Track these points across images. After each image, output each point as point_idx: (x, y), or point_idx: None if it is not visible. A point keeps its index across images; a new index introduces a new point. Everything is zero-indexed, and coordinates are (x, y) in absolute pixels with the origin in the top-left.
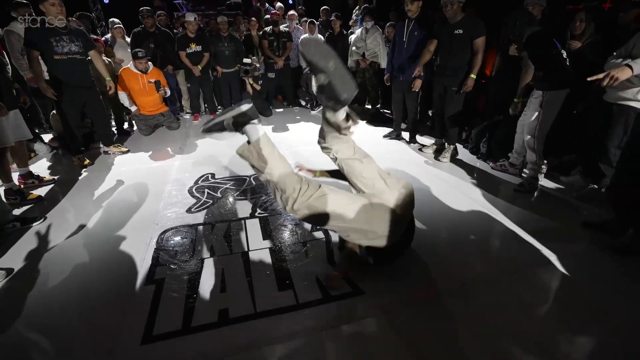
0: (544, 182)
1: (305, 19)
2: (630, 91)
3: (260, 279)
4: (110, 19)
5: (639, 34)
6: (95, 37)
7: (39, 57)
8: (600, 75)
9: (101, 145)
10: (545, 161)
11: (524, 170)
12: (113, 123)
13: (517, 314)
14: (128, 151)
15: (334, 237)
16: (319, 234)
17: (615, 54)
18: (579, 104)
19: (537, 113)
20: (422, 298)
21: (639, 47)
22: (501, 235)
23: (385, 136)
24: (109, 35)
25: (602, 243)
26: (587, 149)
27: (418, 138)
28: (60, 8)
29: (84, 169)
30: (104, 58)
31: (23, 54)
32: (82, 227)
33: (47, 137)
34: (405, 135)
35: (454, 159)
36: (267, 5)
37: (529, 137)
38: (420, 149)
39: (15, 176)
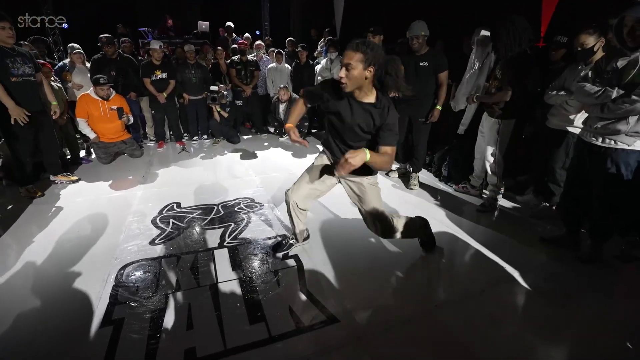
0: (502, 201)
1: (272, 49)
2: (568, 118)
3: (230, 312)
4: (70, 44)
5: (567, 70)
6: (42, 61)
7: None
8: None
9: (50, 175)
10: (503, 182)
11: (484, 191)
12: (67, 151)
13: (489, 331)
14: (78, 180)
15: (306, 264)
16: (290, 262)
17: (550, 86)
18: (526, 129)
19: (494, 139)
20: (395, 322)
21: (569, 81)
22: (467, 253)
23: None
24: (67, 60)
25: (560, 256)
26: (537, 170)
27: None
28: (11, 32)
29: (33, 201)
30: (53, 83)
31: None
32: (28, 264)
33: None
34: None
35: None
36: (234, 35)
37: (490, 161)
38: (386, 174)
39: None
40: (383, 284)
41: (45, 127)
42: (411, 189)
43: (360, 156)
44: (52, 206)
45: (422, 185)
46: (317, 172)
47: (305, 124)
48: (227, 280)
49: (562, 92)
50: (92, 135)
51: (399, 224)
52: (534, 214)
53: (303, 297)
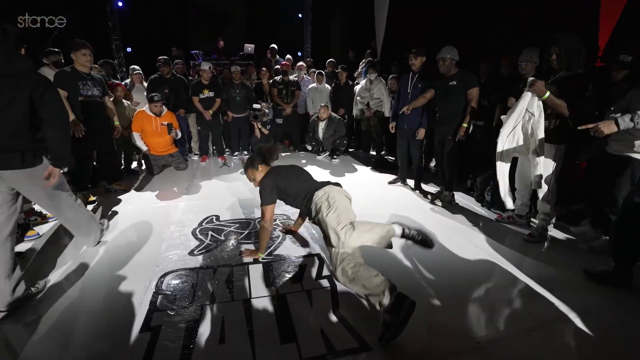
0: (553, 232)
1: (313, 69)
2: (632, 144)
3: (262, 329)
4: (132, 66)
5: (634, 91)
6: (117, 82)
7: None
8: (590, 125)
9: (105, 183)
10: (554, 211)
11: (533, 219)
12: (122, 162)
13: None
14: (127, 189)
15: (340, 286)
16: (324, 282)
17: (612, 108)
18: (581, 154)
19: (550, 165)
20: (431, 357)
21: (634, 104)
22: (513, 287)
23: (390, 182)
24: (128, 80)
25: (619, 297)
26: (595, 199)
27: (423, 185)
28: (90, 57)
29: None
30: (123, 101)
31: None
32: (81, 265)
33: None
34: (410, 182)
35: (456, 207)
36: (277, 56)
37: (544, 189)
38: (426, 196)
39: None
40: (420, 314)
41: (105, 141)
42: (435, 204)
43: None
44: (105, 213)
45: (463, 210)
46: None
47: (345, 142)
48: (261, 297)
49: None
50: (144, 148)
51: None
52: (592, 247)
53: (335, 320)
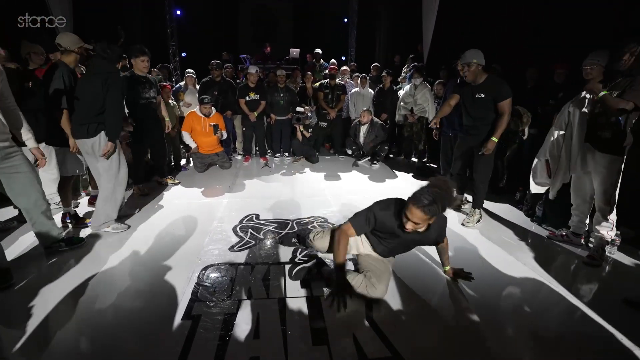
0: (617, 255)
1: (357, 74)
2: None
3: (295, 329)
4: (186, 69)
5: None
6: (164, 83)
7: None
8: None
9: (157, 177)
10: (619, 232)
11: (590, 239)
12: (172, 158)
13: None
14: (179, 183)
15: None
16: None
17: None
18: None
19: (612, 181)
20: None
21: None
22: (567, 313)
23: None
24: (182, 83)
25: None
26: None
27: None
28: (148, 64)
29: (142, 198)
30: (170, 101)
31: None
32: (133, 253)
33: None
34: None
35: (503, 221)
36: (321, 60)
37: (604, 206)
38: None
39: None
40: (456, 328)
41: (159, 138)
42: (463, 225)
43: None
44: (157, 204)
45: (510, 225)
46: None
47: (386, 147)
48: (295, 297)
49: None
50: (193, 145)
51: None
52: None
53: (368, 326)
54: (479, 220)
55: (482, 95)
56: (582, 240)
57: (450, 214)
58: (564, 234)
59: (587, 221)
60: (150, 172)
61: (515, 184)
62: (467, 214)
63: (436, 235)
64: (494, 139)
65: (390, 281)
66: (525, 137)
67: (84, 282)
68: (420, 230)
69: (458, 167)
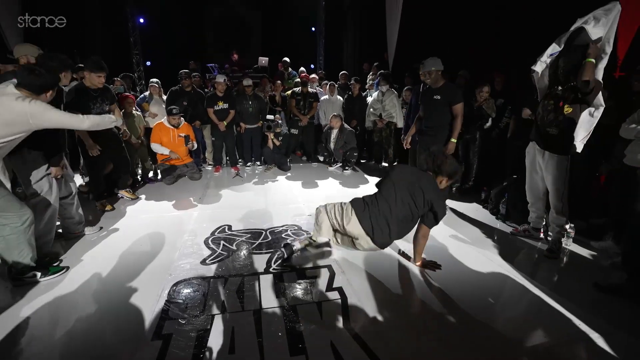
0: (572, 246)
1: (325, 81)
2: None
3: (272, 340)
4: (150, 79)
5: None
6: (127, 94)
7: None
8: None
9: (116, 189)
10: (572, 225)
11: (549, 233)
12: (139, 171)
13: None
14: (138, 198)
15: (350, 298)
16: (333, 295)
17: (628, 119)
18: (601, 166)
19: (562, 178)
20: None
21: None
22: (530, 303)
23: None
24: (147, 93)
25: None
26: (617, 214)
27: None
28: (104, 79)
29: (105, 214)
30: (134, 112)
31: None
32: (95, 273)
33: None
34: None
35: (469, 219)
36: (290, 69)
37: (557, 201)
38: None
39: None
40: (431, 329)
41: (118, 149)
42: None
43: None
44: (121, 220)
45: (477, 223)
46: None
47: (355, 153)
48: (271, 307)
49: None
50: (166, 152)
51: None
52: (614, 263)
53: (346, 333)
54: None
55: (439, 97)
56: (542, 234)
57: None
58: (525, 229)
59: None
60: (113, 186)
61: (480, 184)
62: None
63: (429, 195)
64: (453, 140)
65: (366, 287)
66: (488, 124)
67: (43, 306)
68: None
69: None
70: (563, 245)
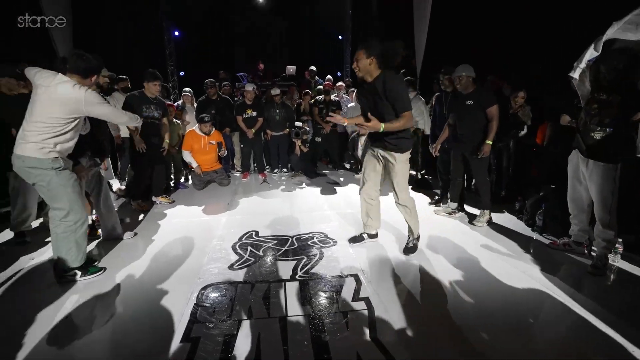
0: (620, 263)
1: (352, 89)
2: None
3: (297, 349)
4: (184, 88)
5: None
6: (169, 103)
7: None
8: None
9: (152, 195)
10: (620, 239)
11: (593, 248)
12: (172, 177)
13: None
14: (174, 202)
15: (377, 309)
16: (360, 305)
17: None
18: None
19: (610, 189)
20: None
21: None
22: (572, 322)
23: (431, 203)
24: (180, 101)
25: None
26: None
27: (465, 207)
28: (160, 87)
29: (140, 217)
30: (174, 119)
31: None
32: (130, 275)
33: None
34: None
35: (503, 230)
36: (316, 77)
37: (604, 214)
38: (470, 222)
39: None
40: (463, 347)
41: (159, 157)
42: (473, 224)
43: (374, 123)
44: (154, 224)
45: (511, 234)
46: (368, 164)
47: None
48: (296, 315)
49: None
50: (194, 164)
51: (409, 202)
52: None
53: (372, 345)
54: (489, 221)
55: (471, 102)
56: (585, 249)
57: (450, 223)
58: (566, 242)
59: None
60: (149, 190)
61: (514, 194)
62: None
63: (381, 89)
64: (489, 142)
65: (394, 298)
66: (523, 132)
67: (82, 304)
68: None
69: (456, 175)
70: (610, 261)
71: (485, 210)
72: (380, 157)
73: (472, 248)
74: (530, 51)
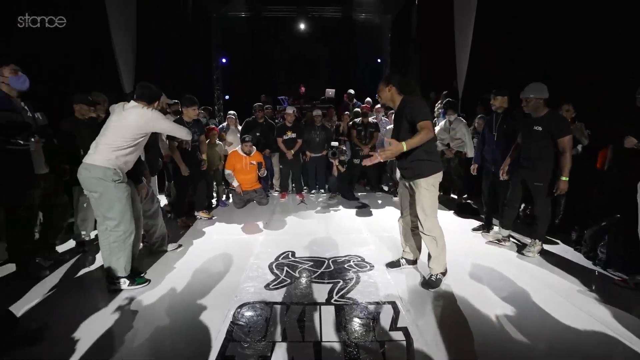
0: None
1: (391, 111)
2: None
3: None
4: (229, 111)
5: None
6: (212, 126)
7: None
8: None
9: (195, 211)
10: None
11: None
12: (213, 194)
13: None
14: (213, 217)
15: (417, 341)
16: (397, 335)
17: None
18: None
19: None
20: None
21: None
22: None
23: (475, 229)
24: (225, 123)
25: None
26: None
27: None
28: (198, 111)
29: (183, 232)
30: (217, 141)
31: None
32: (173, 289)
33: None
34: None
35: (562, 263)
36: (354, 100)
37: None
38: (519, 251)
39: None
40: None
41: (199, 175)
42: (523, 254)
43: (394, 146)
44: (196, 240)
45: (570, 268)
46: (402, 192)
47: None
48: (331, 341)
49: None
50: (235, 184)
51: (436, 232)
52: None
53: None
54: (540, 252)
55: (540, 129)
56: None
57: (496, 251)
58: (637, 282)
59: None
60: (192, 207)
61: (570, 223)
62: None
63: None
64: (564, 179)
65: (434, 329)
66: (578, 152)
67: (121, 317)
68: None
69: (513, 202)
70: None
71: (536, 240)
72: (407, 185)
73: (523, 280)
74: (586, 72)
